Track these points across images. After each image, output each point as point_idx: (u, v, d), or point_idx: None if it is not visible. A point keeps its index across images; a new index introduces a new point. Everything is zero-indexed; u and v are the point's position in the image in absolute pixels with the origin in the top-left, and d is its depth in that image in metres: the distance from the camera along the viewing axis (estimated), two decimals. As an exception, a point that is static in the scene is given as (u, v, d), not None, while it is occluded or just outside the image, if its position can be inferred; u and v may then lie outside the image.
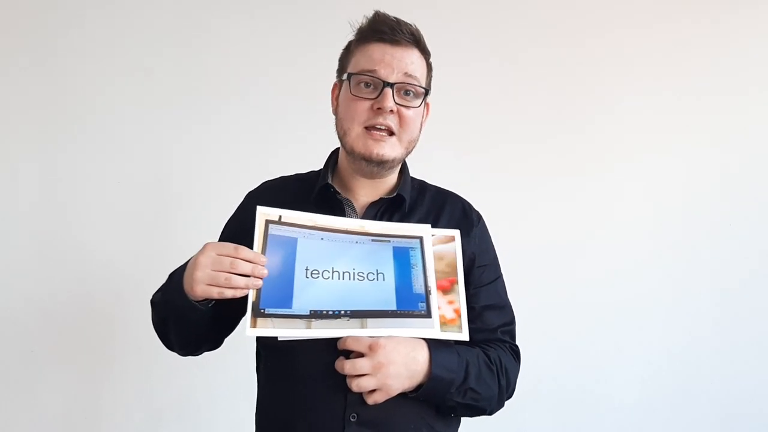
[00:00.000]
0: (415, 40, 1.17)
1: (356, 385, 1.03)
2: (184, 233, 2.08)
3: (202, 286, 1.01)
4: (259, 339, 1.24)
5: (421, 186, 1.31)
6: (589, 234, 2.21)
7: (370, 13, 1.20)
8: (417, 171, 1.34)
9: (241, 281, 1.01)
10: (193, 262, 1.03)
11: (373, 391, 1.04)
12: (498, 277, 1.28)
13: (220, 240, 1.31)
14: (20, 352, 2.05)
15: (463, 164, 2.11)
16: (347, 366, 1.03)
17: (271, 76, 2.13)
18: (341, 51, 1.25)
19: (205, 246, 1.04)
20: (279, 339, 1.04)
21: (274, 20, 2.15)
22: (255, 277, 1.02)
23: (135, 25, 2.12)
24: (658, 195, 2.24)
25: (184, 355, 1.25)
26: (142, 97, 2.11)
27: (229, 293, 1.01)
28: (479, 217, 1.30)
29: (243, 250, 1.02)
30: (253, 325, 1.01)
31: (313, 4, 2.13)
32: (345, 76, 1.18)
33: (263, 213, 1.09)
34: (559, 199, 2.20)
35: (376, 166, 1.17)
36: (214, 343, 1.26)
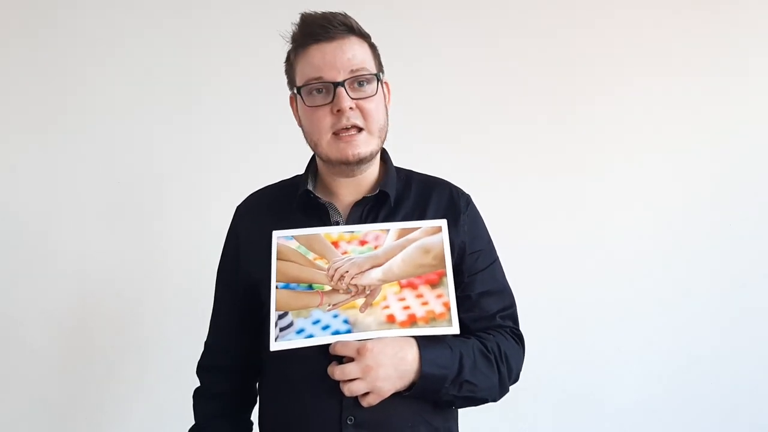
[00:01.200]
0: (349, 29, 1.14)
1: (347, 390, 1.04)
2: (184, 233, 2.10)
3: None
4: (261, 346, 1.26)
5: (408, 177, 1.28)
6: (589, 234, 2.20)
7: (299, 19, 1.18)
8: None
9: None
10: None
11: (366, 394, 1.05)
12: (494, 262, 1.27)
13: (221, 260, 1.34)
14: (20, 352, 2.06)
15: (459, 163, 2.06)
16: (337, 372, 1.04)
17: (270, 76, 2.08)
18: (284, 64, 1.23)
19: None
20: (271, 350, 1.05)
21: (272, 19, 2.09)
22: None
23: (136, 25, 2.11)
24: (659, 195, 2.22)
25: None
26: (142, 97, 2.10)
27: None
28: (468, 201, 1.27)
29: None
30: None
31: (313, 3, 2.08)
32: (295, 90, 1.16)
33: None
34: (559, 199, 2.19)
35: (356, 165, 1.17)
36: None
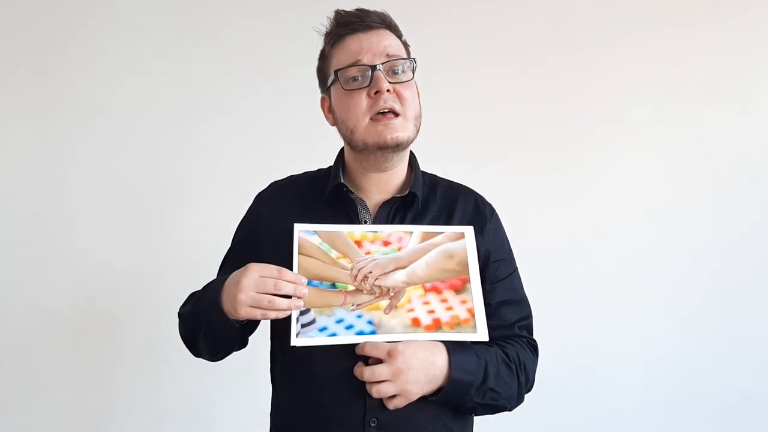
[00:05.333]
0: (386, 23, 1.17)
1: (376, 391, 1.03)
2: (185, 234, 2.09)
3: (246, 309, 1.01)
4: (274, 341, 1.24)
5: (432, 181, 1.28)
6: (588, 233, 2.20)
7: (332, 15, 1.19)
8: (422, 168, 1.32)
9: (284, 303, 1.01)
10: (236, 283, 1.02)
11: (393, 396, 1.04)
12: (513, 271, 1.27)
13: (233, 244, 1.31)
14: (20, 352, 2.04)
15: (461, 163, 2.07)
16: (366, 373, 1.03)
17: (272, 76, 2.12)
18: (317, 63, 1.23)
19: (248, 267, 1.03)
20: (292, 344, 1.03)
21: (275, 19, 2.13)
22: (297, 297, 1.02)
23: (136, 25, 2.11)
24: (658, 193, 2.22)
25: (214, 361, 1.25)
26: (143, 97, 2.09)
27: (272, 315, 1.02)
28: (492, 211, 1.28)
29: (285, 272, 1.03)
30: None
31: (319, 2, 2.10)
32: (331, 78, 1.16)
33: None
34: (557, 198, 2.19)
35: (392, 152, 1.15)
36: (242, 344, 1.26)
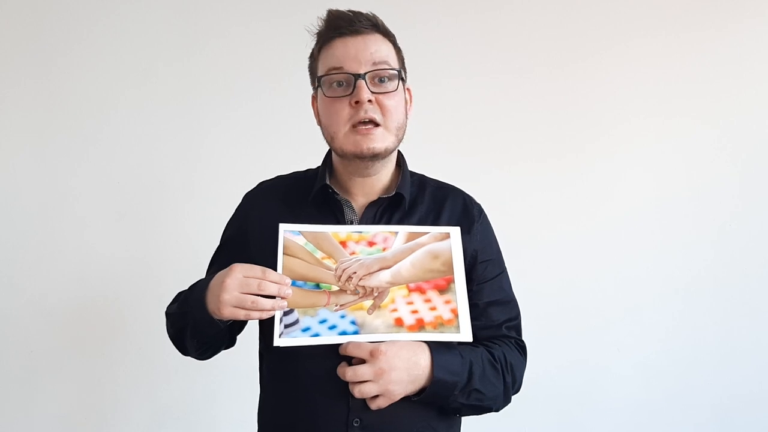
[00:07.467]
0: (375, 25, 1.15)
1: (358, 392, 1.03)
2: (184, 234, 2.09)
3: (230, 309, 1.01)
4: (261, 340, 1.24)
5: (421, 181, 1.27)
6: (588, 231, 2.19)
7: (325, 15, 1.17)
8: (415, 168, 1.32)
9: (268, 303, 1.01)
10: (219, 283, 1.02)
11: (376, 396, 1.04)
12: (502, 272, 1.27)
13: (221, 244, 1.32)
14: (20, 352, 2.05)
15: (458, 158, 2.08)
16: (348, 373, 1.03)
17: (269, 77, 2.13)
18: (308, 61, 1.22)
19: (232, 267, 1.03)
20: (275, 345, 1.03)
21: (273, 20, 2.14)
22: (281, 297, 1.02)
23: (135, 25, 2.11)
24: (659, 191, 2.21)
25: (202, 359, 1.26)
26: (142, 97, 2.10)
27: (256, 315, 1.02)
28: (480, 211, 1.27)
29: (269, 273, 1.03)
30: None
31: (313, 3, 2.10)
32: (316, 82, 1.16)
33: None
34: (557, 195, 2.18)
35: (370, 161, 1.14)
36: (230, 343, 1.26)
